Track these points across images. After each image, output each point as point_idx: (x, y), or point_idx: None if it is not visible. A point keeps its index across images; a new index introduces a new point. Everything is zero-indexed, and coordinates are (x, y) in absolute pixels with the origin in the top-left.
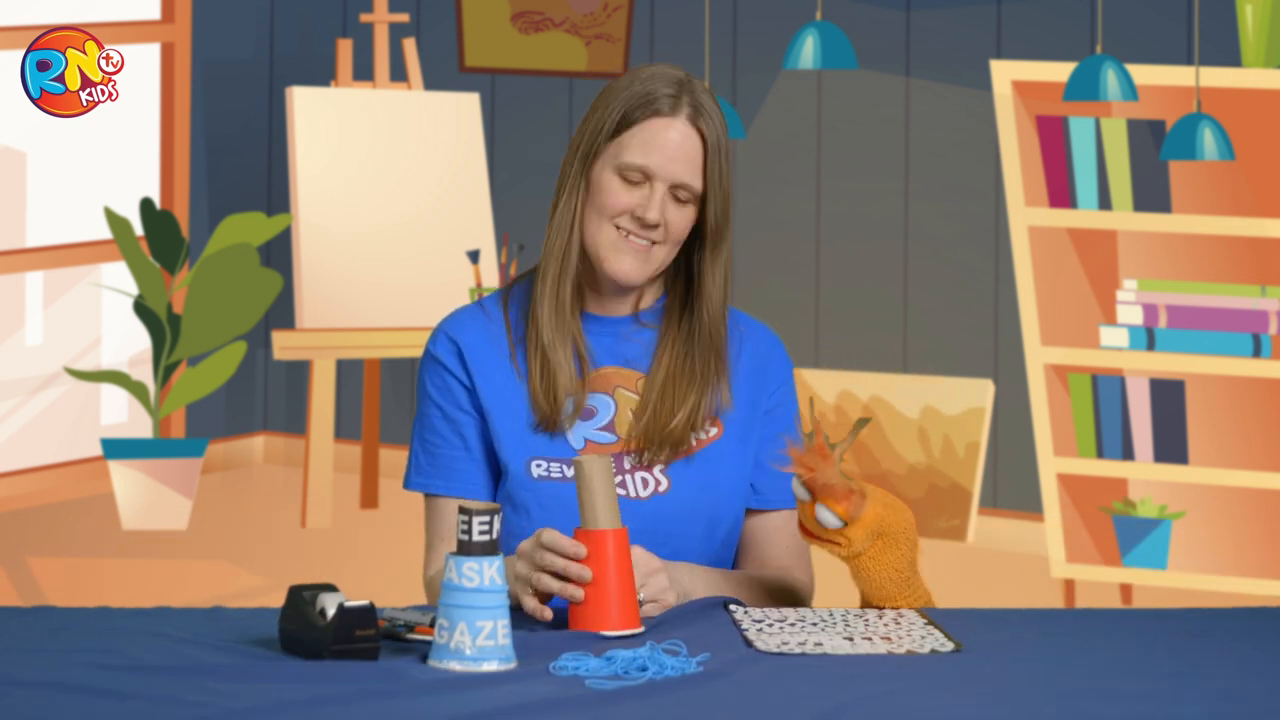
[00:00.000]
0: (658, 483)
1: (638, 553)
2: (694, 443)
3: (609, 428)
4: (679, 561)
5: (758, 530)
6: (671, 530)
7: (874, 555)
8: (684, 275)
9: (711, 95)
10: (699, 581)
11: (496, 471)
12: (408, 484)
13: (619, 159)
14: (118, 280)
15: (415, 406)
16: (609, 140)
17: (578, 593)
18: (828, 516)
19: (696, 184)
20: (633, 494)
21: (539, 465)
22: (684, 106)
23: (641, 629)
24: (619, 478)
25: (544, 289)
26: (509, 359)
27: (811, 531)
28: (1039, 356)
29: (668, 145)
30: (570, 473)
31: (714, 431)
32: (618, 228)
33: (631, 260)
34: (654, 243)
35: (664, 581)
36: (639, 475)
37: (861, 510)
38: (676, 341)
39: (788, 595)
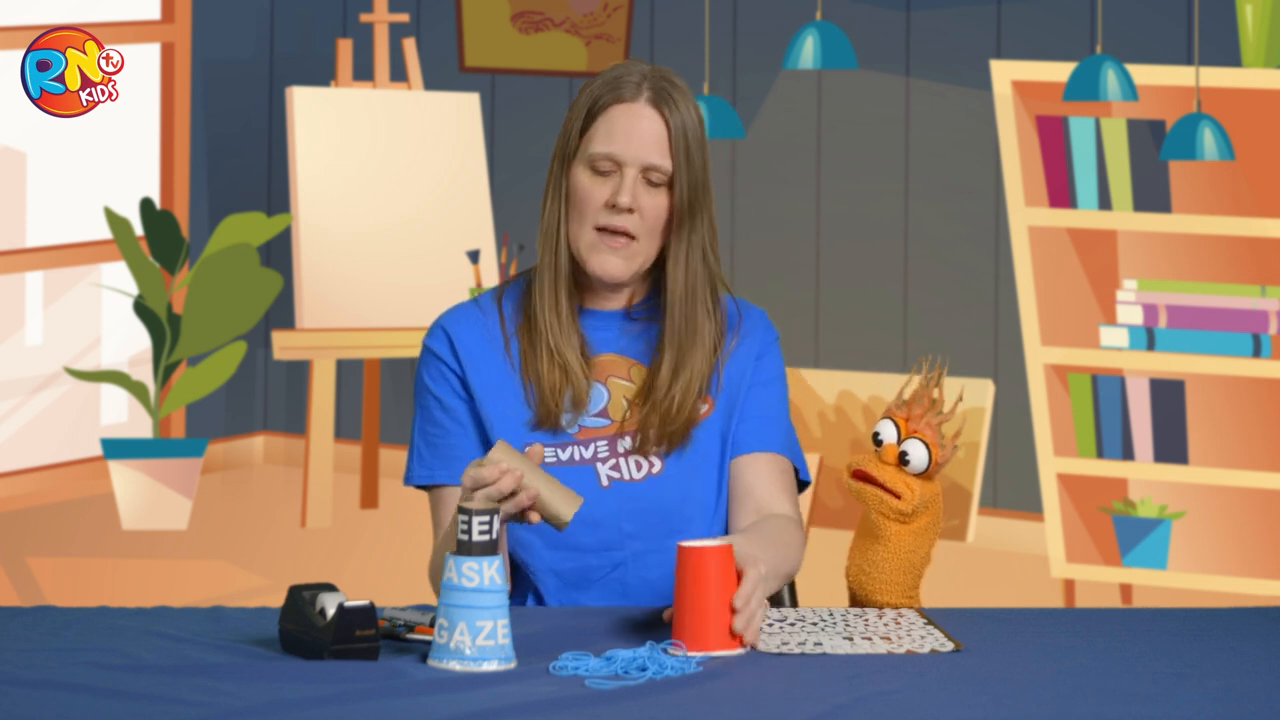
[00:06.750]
0: (651, 465)
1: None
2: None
3: (603, 414)
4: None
5: (744, 474)
6: (668, 510)
7: (916, 531)
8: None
9: (680, 86)
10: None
11: None
12: (409, 479)
13: (588, 152)
14: (118, 280)
15: (414, 406)
16: (579, 137)
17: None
18: (919, 453)
19: (666, 164)
20: (627, 476)
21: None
22: (644, 91)
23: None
24: (613, 460)
25: (542, 297)
26: (503, 352)
27: (876, 477)
28: (1039, 356)
29: (631, 129)
30: (565, 456)
31: (704, 409)
32: (597, 229)
33: (613, 257)
34: (631, 237)
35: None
36: (633, 458)
37: (947, 463)
38: (670, 335)
39: (793, 535)
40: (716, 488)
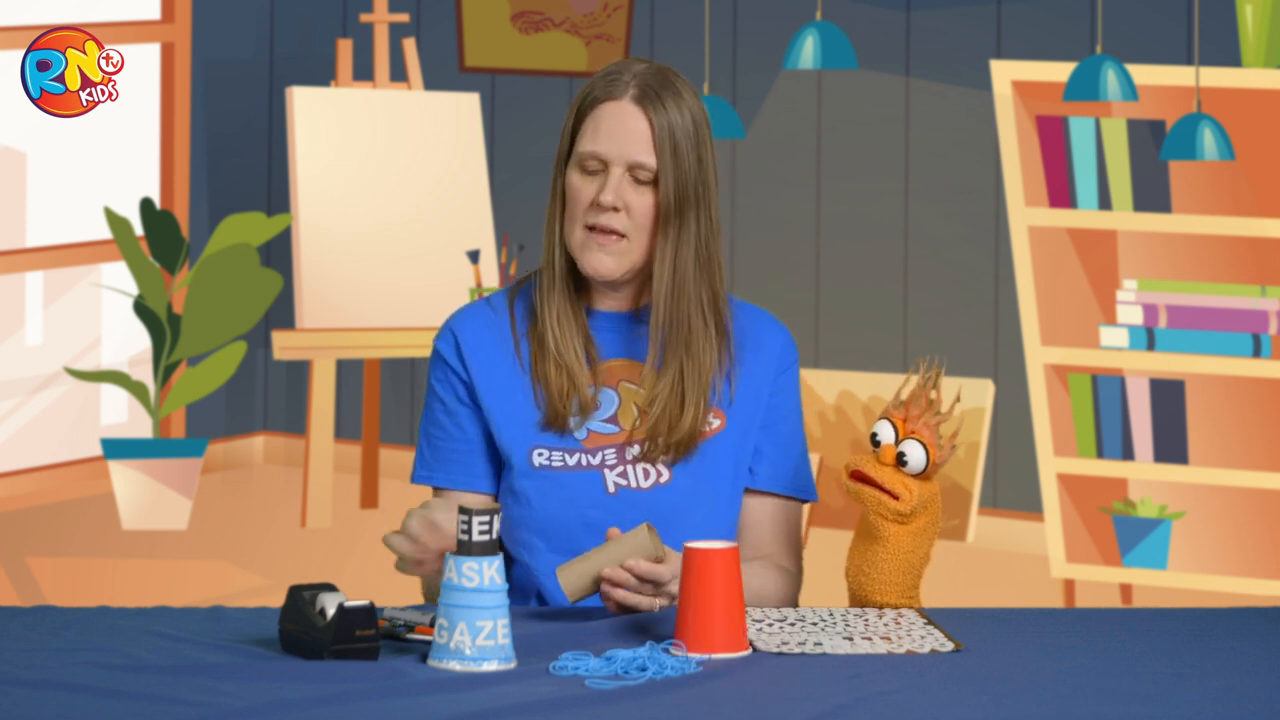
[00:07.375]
0: (659, 474)
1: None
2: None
3: (613, 420)
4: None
5: (754, 513)
6: (673, 519)
7: (915, 531)
8: None
9: (674, 85)
10: None
11: (499, 464)
12: (413, 478)
13: (577, 151)
14: (118, 280)
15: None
16: (571, 137)
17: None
18: (917, 454)
19: (651, 162)
20: (634, 484)
21: (540, 454)
22: (629, 89)
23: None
24: (620, 468)
25: (546, 295)
26: (512, 352)
27: (873, 478)
28: (1039, 356)
29: (614, 127)
30: (572, 461)
31: (716, 424)
32: (587, 228)
33: (602, 254)
34: (619, 235)
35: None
36: (641, 466)
37: (944, 463)
38: (654, 332)
39: (773, 581)
40: (727, 502)
